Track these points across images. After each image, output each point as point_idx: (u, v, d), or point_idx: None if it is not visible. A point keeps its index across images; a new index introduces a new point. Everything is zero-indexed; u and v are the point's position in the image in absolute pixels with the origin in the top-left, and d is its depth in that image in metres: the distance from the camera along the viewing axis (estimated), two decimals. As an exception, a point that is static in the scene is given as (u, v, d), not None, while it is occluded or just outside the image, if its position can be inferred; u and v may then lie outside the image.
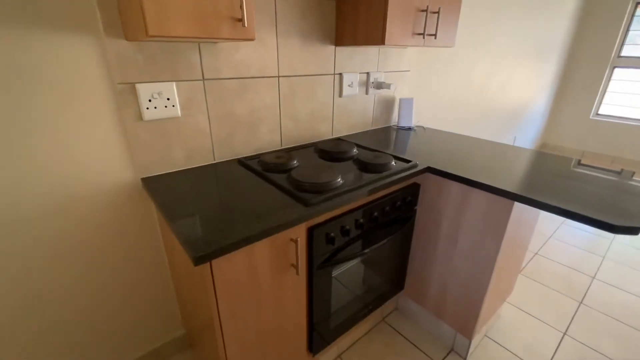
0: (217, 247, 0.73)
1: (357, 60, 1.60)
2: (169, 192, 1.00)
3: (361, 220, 1.09)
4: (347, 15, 1.37)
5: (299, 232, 0.94)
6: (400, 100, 1.87)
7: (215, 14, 0.82)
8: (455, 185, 1.20)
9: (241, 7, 0.85)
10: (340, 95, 1.59)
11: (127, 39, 0.94)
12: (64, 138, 0.93)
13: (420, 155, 1.39)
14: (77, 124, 0.94)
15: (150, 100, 1.03)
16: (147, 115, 1.04)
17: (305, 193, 0.99)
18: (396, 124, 1.94)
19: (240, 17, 0.86)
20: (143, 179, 1.09)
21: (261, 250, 0.85)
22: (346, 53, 1.54)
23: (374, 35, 1.27)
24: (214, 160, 1.25)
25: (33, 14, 0.82)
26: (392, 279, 1.44)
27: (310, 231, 0.95)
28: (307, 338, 1.14)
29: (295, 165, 1.22)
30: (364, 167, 1.22)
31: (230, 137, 1.27)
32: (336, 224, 1.01)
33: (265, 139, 1.38)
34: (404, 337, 1.51)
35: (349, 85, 1.60)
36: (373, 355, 1.42)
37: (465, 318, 1.31)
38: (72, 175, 0.97)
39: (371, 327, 1.55)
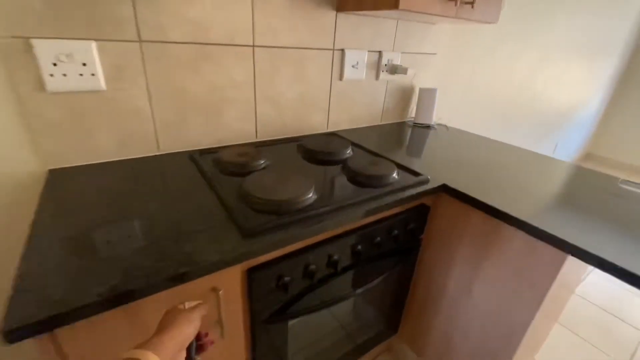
0: (53, 314, 0.43)
1: (365, 34, 1.24)
2: (65, 193, 0.72)
3: (335, 257, 0.77)
4: (354, -33, 1.01)
5: (230, 277, 0.63)
6: (420, 90, 1.49)
7: None
8: (479, 215, 0.85)
9: None
10: (341, 78, 1.25)
11: (9, -32, 0.64)
12: None
13: (436, 164, 1.04)
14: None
15: (55, 65, 0.74)
16: (52, 85, 0.75)
17: (257, 213, 0.68)
18: (412, 119, 1.58)
19: None
20: (52, 171, 0.81)
21: (155, 307, 0.55)
22: (351, 23, 1.18)
23: (386, -6, 0.90)
24: (158, 151, 0.96)
25: None
26: (382, 320, 1.12)
27: (250, 274, 0.65)
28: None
29: (261, 166, 0.91)
30: (353, 177, 0.89)
31: (182, 122, 0.96)
32: (294, 263, 0.70)
33: (233, 127, 1.07)
34: (392, 391, 1.20)
35: (353, 66, 1.25)
36: (348, 412, 1.12)
37: (473, 389, 0.98)
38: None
39: (352, 371, 1.25)
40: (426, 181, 0.90)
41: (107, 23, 0.77)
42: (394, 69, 1.37)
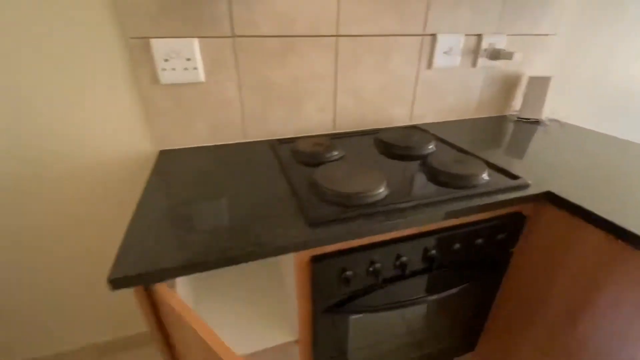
0: (144, 271, 0.50)
1: (463, 15, 1.10)
2: (169, 172, 0.83)
3: (404, 259, 0.71)
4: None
5: (297, 262, 0.64)
6: (529, 78, 1.27)
7: None
8: (595, 234, 0.68)
9: None
10: (430, 66, 1.14)
11: (137, -20, 0.76)
12: (76, 99, 0.85)
13: (541, 167, 0.87)
14: (89, 83, 0.84)
15: (166, 60, 0.86)
16: (164, 77, 0.88)
17: (326, 204, 0.68)
18: (516, 112, 1.35)
19: None
20: (162, 152, 0.96)
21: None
22: (446, 3, 1.06)
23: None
24: (244, 138, 1.04)
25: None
26: (458, 334, 1.01)
27: (314, 262, 0.65)
28: (313, 385, 0.87)
29: (334, 157, 0.90)
30: (434, 175, 0.81)
31: (266, 112, 1.02)
32: (358, 258, 0.67)
33: (312, 118, 1.08)
34: (462, 415, 1.08)
35: (445, 53, 1.13)
36: None
37: None
38: (85, 139, 0.90)
39: (418, 382, 1.17)
40: (525, 186, 0.76)
41: (206, 21, 0.86)
42: (495, 54, 1.19)
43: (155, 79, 0.88)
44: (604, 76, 1.50)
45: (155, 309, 0.57)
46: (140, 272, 0.50)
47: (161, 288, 0.52)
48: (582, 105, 1.52)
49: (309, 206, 0.65)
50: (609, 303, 0.67)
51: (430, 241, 0.73)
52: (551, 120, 1.29)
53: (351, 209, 0.65)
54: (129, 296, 1.17)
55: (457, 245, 0.75)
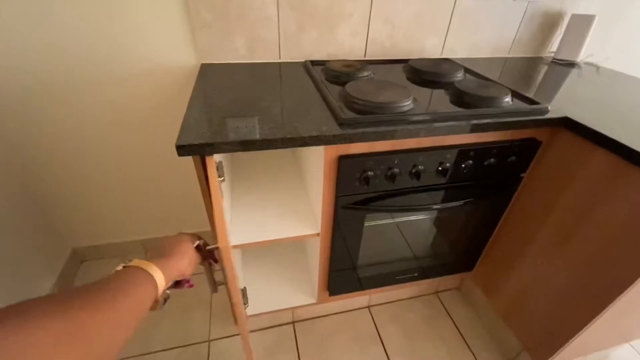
0: (204, 142, 0.61)
1: (513, -61, 1.04)
2: (212, 83, 0.92)
3: (420, 168, 0.79)
4: None
5: (328, 158, 0.74)
6: (572, 16, 1.22)
7: None
8: (602, 155, 0.73)
9: None
10: (469, -5, 1.12)
11: None
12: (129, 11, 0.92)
13: (562, 100, 0.90)
14: (141, -11, 0.90)
15: (211, -31, 0.90)
16: (208, -12, 0.92)
17: (354, 113, 0.75)
18: (552, 54, 1.32)
19: None
20: (203, 65, 1.04)
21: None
22: None
23: None
24: (280, 58, 1.09)
25: None
26: (459, 254, 1.13)
27: (340, 160, 0.74)
28: (327, 276, 1.03)
29: (366, 77, 0.95)
30: (459, 97, 0.86)
31: (301, 31, 1.06)
32: (379, 161, 0.76)
33: (344, 43, 1.11)
34: (455, 325, 1.24)
35: (486, -19, 1.09)
36: (406, 324, 1.23)
37: (542, 340, 0.94)
38: (133, 45, 0.98)
39: (416, 294, 1.33)
40: (544, 111, 0.80)
41: None
42: (540, -14, 1.14)
43: (200, -11, 0.92)
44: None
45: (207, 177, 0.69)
46: (200, 142, 0.61)
47: (210, 161, 0.63)
48: (623, 48, 1.45)
49: (339, 111, 0.73)
50: (604, 215, 0.75)
51: (446, 155, 0.80)
52: (587, 63, 1.26)
53: (378, 115, 0.73)
54: (182, 198, 1.33)
55: (469, 162, 0.83)
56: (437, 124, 0.72)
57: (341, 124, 0.70)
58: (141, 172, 1.23)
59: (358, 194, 0.81)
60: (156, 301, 0.40)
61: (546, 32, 1.29)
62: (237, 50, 1.05)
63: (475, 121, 0.74)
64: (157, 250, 0.47)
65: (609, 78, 1.12)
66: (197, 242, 0.54)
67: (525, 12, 1.21)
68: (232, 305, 0.98)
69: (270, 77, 0.96)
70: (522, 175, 0.92)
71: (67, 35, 0.92)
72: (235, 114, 0.73)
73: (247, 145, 0.63)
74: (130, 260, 0.40)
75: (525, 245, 0.97)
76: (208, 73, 0.97)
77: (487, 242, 1.11)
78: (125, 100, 1.06)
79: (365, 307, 1.28)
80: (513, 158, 0.85)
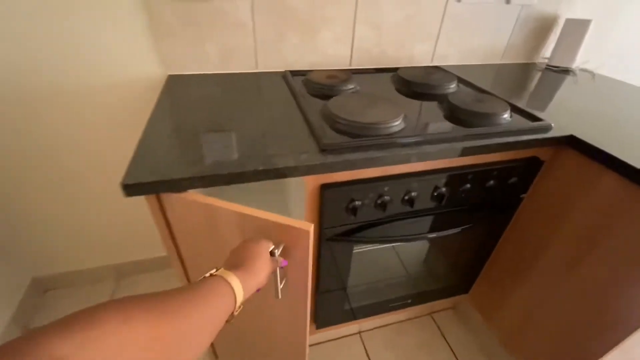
0: (157, 179, 0.51)
1: (506, -62, 0.97)
2: (177, 98, 0.81)
3: (413, 194, 0.71)
4: None
5: (308, 184, 0.64)
6: (566, 21, 1.16)
7: None
8: (612, 178, 0.66)
9: None
10: (460, -2, 1.04)
11: None
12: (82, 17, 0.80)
13: (565, 114, 0.83)
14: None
15: (175, -30, 0.79)
16: (173, -9, 0.81)
17: (338, 134, 0.66)
18: (546, 60, 1.26)
19: None
20: (170, 76, 0.93)
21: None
22: None
23: None
24: (257, 68, 0.99)
25: None
26: (455, 276, 1.05)
27: (323, 189, 0.65)
28: (313, 308, 0.93)
29: (349, 90, 0.86)
30: (454, 112, 0.78)
31: (280, 39, 0.96)
32: (367, 189, 0.67)
33: (328, 50, 1.02)
34: (451, 349, 1.16)
35: (478, -17, 1.02)
36: (399, 350, 1.15)
37: (547, 371, 0.87)
38: (90, 53, 0.86)
39: (410, 317, 1.25)
40: (547, 128, 0.73)
41: None
42: (534, -11, 1.07)
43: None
44: (650, 25, 1.36)
45: (166, 219, 0.58)
46: (153, 180, 0.51)
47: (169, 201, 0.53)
48: (619, 54, 1.40)
49: (321, 133, 0.64)
50: (612, 247, 0.68)
51: (441, 179, 0.72)
52: (582, 70, 1.21)
53: (364, 138, 0.64)
54: (148, 220, 1.22)
55: (467, 186, 0.75)
56: (430, 148, 0.64)
57: (323, 150, 0.60)
58: (109, 192, 1.11)
59: (345, 224, 0.72)
60: (232, 314, 0.38)
61: (540, 38, 1.23)
62: (209, 60, 0.94)
63: (472, 143, 0.66)
64: (239, 258, 0.43)
65: (607, 87, 1.07)
66: (272, 248, 0.48)
67: (518, 16, 1.14)
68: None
69: (245, 90, 0.86)
70: (522, 196, 0.85)
71: (17, 47, 0.80)
72: (199, 138, 0.63)
73: (211, 180, 0.53)
74: (217, 270, 0.39)
75: (527, 268, 0.90)
76: (175, 86, 0.87)
77: (484, 263, 1.04)
78: (85, 117, 0.94)
79: (356, 333, 1.20)
80: (514, 179, 0.78)
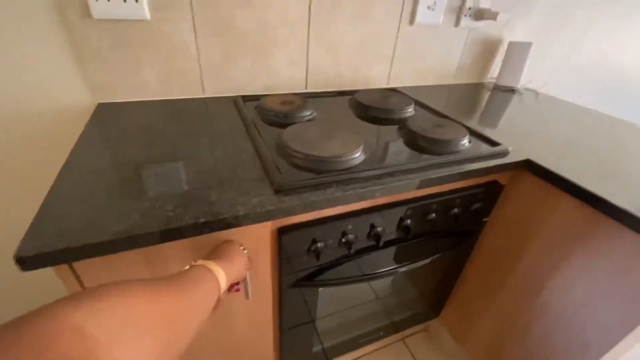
0: (66, 247, 0.40)
1: (451, -35, 1.00)
2: (108, 127, 0.70)
3: (379, 229, 0.66)
4: None
5: (259, 233, 0.57)
6: (509, 44, 1.22)
7: None
8: (570, 202, 0.67)
9: None
10: (412, 22, 1.04)
11: None
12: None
13: (517, 136, 0.84)
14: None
15: (99, -13, 0.69)
16: (97, 10, 0.71)
17: (294, 169, 0.59)
18: (494, 80, 1.31)
19: None
20: (100, 105, 0.81)
21: (176, 254, 0.52)
22: (435, -51, 0.94)
23: None
24: (203, 93, 0.90)
25: None
26: (424, 301, 1.02)
27: (281, 234, 0.58)
28: (279, 348, 0.84)
29: (305, 118, 0.81)
30: (413, 139, 0.75)
31: (228, 62, 0.88)
32: (330, 228, 0.61)
33: (282, 73, 0.96)
34: (423, 374, 1.12)
35: (428, 7, 1.03)
36: (374, 385, 1.09)
37: (521, 396, 0.86)
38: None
39: (381, 345, 1.20)
40: (505, 153, 0.72)
41: (151, -61, 0.69)
42: (480, 14, 1.11)
43: (86, 12, 0.71)
44: (580, 45, 1.49)
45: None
46: (61, 247, 0.40)
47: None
48: (558, 75, 1.51)
49: (274, 171, 0.57)
50: (576, 270, 0.68)
51: (406, 210, 0.68)
52: (527, 89, 1.27)
53: (324, 174, 0.58)
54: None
55: (432, 215, 0.72)
56: (394, 181, 0.59)
57: (278, 191, 0.53)
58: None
59: (307, 268, 0.65)
60: (219, 300, 0.40)
61: (487, 59, 1.28)
62: (147, 85, 0.84)
63: (437, 173, 0.63)
64: (217, 252, 0.46)
65: (550, 105, 1.12)
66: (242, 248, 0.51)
67: (466, 39, 1.18)
68: None
69: (189, 119, 0.77)
70: (485, 220, 0.84)
71: None
72: (126, 183, 0.52)
73: (134, 241, 0.43)
74: (195, 261, 0.41)
75: (495, 290, 0.89)
76: (105, 116, 0.75)
77: (453, 287, 1.02)
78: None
79: (327, 371, 1.11)
80: (477, 205, 0.76)
